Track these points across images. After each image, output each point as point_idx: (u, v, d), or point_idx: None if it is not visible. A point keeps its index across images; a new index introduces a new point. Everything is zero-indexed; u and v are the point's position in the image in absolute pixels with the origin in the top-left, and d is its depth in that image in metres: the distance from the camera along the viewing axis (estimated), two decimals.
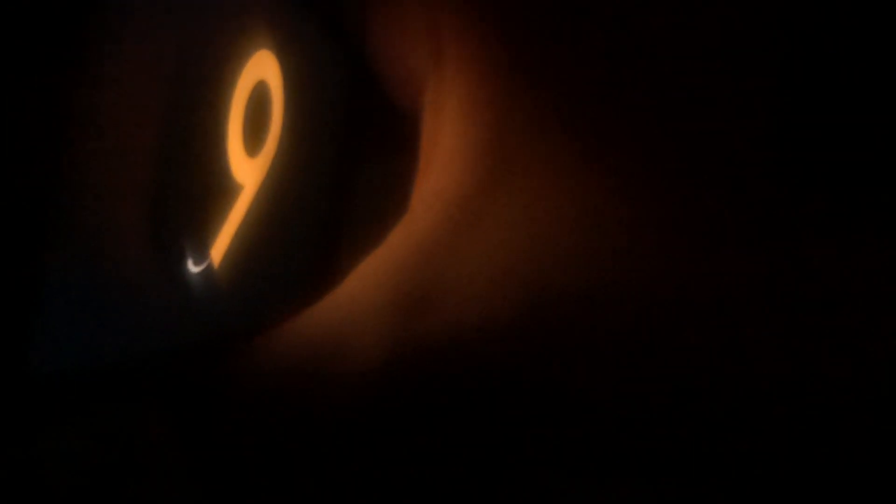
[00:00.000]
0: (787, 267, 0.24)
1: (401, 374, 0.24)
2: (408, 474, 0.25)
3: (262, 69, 0.24)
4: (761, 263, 0.24)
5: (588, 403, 0.24)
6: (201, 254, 0.23)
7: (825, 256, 0.24)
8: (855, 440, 0.24)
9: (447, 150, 0.25)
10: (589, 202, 0.24)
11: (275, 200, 0.26)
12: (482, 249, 0.24)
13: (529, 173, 0.24)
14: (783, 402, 0.24)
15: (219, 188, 0.23)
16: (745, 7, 0.24)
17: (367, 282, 0.25)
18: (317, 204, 0.29)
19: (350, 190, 0.30)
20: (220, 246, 0.24)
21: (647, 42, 0.24)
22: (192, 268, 0.23)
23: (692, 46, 0.24)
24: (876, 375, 0.23)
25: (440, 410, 0.24)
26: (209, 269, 0.24)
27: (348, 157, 0.30)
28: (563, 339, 0.23)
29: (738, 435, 0.24)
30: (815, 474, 0.24)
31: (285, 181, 0.27)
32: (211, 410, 0.26)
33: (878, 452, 0.23)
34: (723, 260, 0.24)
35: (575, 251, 0.23)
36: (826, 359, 0.23)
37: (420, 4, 0.26)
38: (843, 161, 0.24)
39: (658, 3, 0.24)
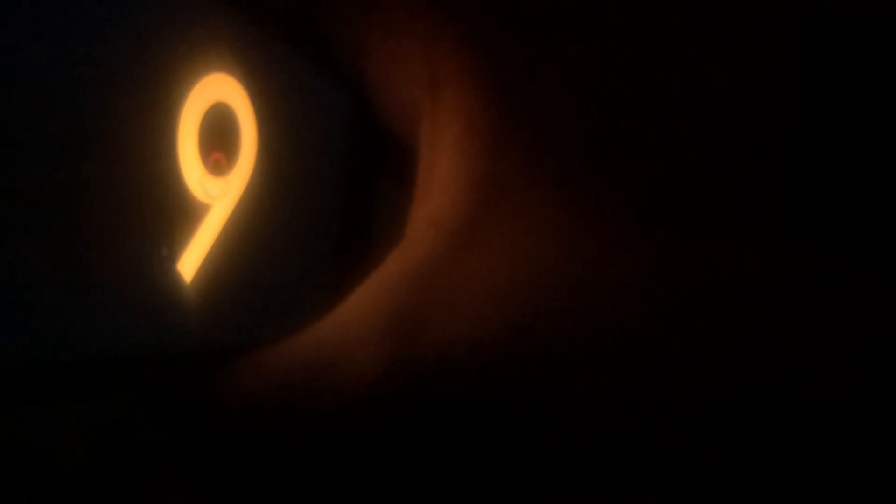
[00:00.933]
0: (774, 278, 0.23)
1: (394, 395, 0.24)
2: (400, 493, 0.26)
3: (218, 91, 0.25)
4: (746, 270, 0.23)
5: (578, 422, 0.24)
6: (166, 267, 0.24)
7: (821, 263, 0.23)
8: (855, 443, 0.23)
9: (442, 179, 0.26)
10: (580, 235, 0.24)
11: (257, 221, 0.27)
12: (473, 277, 0.24)
13: (522, 204, 0.24)
14: (779, 409, 0.23)
15: (176, 204, 0.24)
16: (751, 50, 0.24)
17: (363, 305, 0.26)
18: (307, 227, 0.30)
19: (342, 214, 0.31)
20: (190, 262, 0.25)
21: (641, 84, 0.24)
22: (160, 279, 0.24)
23: (687, 87, 0.24)
24: (876, 378, 0.22)
25: (432, 430, 0.25)
26: (177, 284, 0.25)
27: (341, 183, 0.30)
28: (550, 361, 0.24)
29: (736, 446, 0.23)
30: (810, 479, 0.23)
31: (268, 202, 0.27)
32: (202, 428, 0.27)
33: (877, 454, 0.22)
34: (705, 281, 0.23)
35: (563, 281, 0.24)
36: (823, 363, 0.23)
37: (417, 35, 0.27)
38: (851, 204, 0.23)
39: (654, 44, 0.25)
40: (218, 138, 0.25)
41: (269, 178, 0.27)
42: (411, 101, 0.27)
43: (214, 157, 0.25)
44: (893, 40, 0.24)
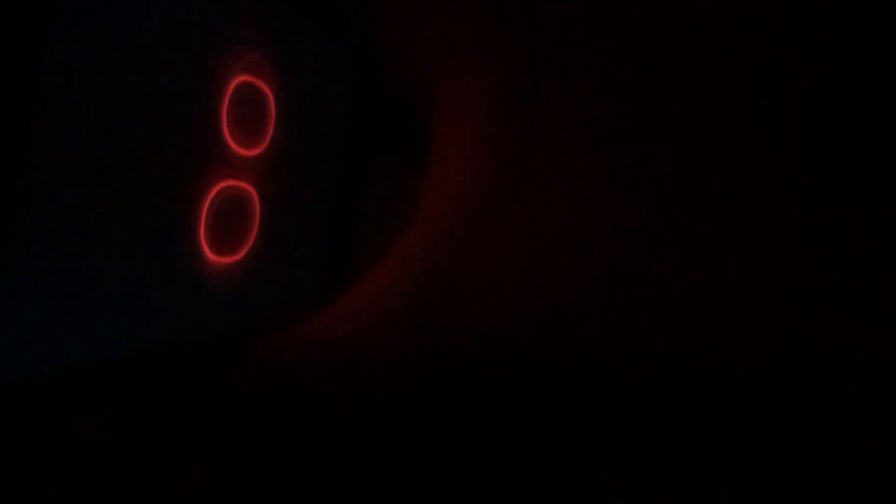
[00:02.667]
0: (783, 269, 0.24)
1: (418, 374, 0.24)
2: (427, 469, 0.26)
3: (250, 69, 0.25)
4: (752, 265, 0.24)
5: (591, 401, 0.25)
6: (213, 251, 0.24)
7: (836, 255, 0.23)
8: (858, 436, 0.23)
9: (459, 158, 0.26)
10: (595, 213, 0.24)
11: (281, 201, 0.27)
12: (495, 256, 0.25)
13: (541, 185, 0.25)
14: (782, 398, 0.24)
15: (216, 174, 0.24)
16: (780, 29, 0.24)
17: (385, 285, 0.26)
18: (325, 206, 0.29)
19: (358, 194, 0.31)
20: (237, 244, 0.25)
21: (662, 59, 0.25)
22: (207, 263, 0.24)
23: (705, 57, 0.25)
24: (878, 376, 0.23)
25: (457, 407, 0.25)
26: (221, 266, 0.25)
27: (357, 162, 0.30)
28: (573, 339, 0.24)
29: (737, 430, 0.24)
30: (812, 465, 0.24)
31: (289, 183, 0.27)
32: (229, 403, 0.26)
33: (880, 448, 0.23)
34: (714, 265, 0.24)
35: (579, 258, 0.24)
36: (825, 355, 0.23)
37: (435, 13, 0.27)
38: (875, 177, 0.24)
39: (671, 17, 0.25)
40: (244, 114, 0.25)
41: (291, 160, 0.27)
42: (428, 79, 0.27)
43: (240, 130, 0.25)
44: None
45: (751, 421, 0.24)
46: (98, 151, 0.19)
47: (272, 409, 0.26)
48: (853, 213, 0.23)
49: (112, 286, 0.21)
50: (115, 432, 0.26)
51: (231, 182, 0.25)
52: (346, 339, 0.26)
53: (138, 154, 0.21)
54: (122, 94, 0.20)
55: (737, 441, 0.24)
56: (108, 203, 0.20)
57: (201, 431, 0.26)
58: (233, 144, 0.24)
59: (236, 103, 0.24)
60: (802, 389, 0.23)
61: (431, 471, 0.26)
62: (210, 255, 0.24)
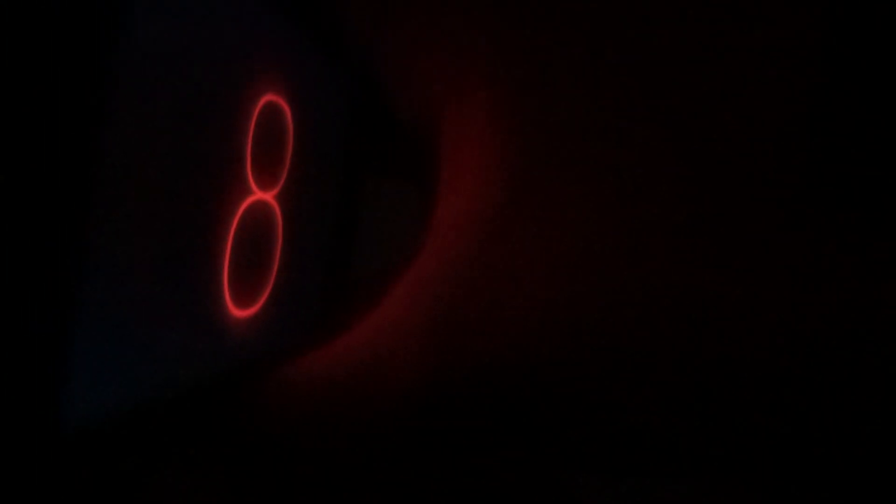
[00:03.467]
0: (797, 272, 0.24)
1: (441, 391, 0.24)
2: (447, 487, 0.26)
3: (272, 94, 0.25)
4: (767, 273, 0.24)
5: (608, 410, 0.24)
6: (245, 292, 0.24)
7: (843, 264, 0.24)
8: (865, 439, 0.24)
9: (468, 170, 0.25)
10: (607, 218, 0.24)
11: (297, 237, 0.27)
12: (508, 270, 0.24)
13: (550, 199, 0.24)
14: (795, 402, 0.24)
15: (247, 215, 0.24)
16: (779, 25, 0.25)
17: (402, 304, 0.25)
18: (328, 235, 0.29)
19: (357, 221, 0.31)
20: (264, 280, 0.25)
21: (666, 70, 0.24)
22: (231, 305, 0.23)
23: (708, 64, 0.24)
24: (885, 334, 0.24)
25: (477, 424, 0.25)
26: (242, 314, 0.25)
27: (359, 182, 0.30)
28: (589, 360, 0.24)
29: (749, 433, 0.24)
30: (807, 470, 0.25)
31: (304, 219, 0.27)
32: (239, 434, 0.26)
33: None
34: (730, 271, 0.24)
35: (594, 269, 0.24)
36: (834, 363, 0.24)
37: (443, 29, 0.26)
38: (873, 174, 0.24)
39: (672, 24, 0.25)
40: (266, 144, 0.25)
41: (301, 180, 0.27)
42: (435, 94, 0.27)
43: (263, 162, 0.25)
44: None
45: (743, 424, 0.24)
46: (154, 208, 0.19)
47: (285, 440, 0.26)
48: (844, 217, 0.24)
49: (155, 332, 0.21)
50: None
51: (253, 221, 0.25)
52: (363, 365, 0.26)
53: (182, 204, 0.21)
54: (173, 148, 0.20)
55: (730, 445, 0.25)
56: (157, 253, 0.20)
57: (209, 461, 0.26)
58: (254, 186, 0.24)
59: (258, 140, 0.24)
60: (796, 391, 0.24)
61: (449, 496, 0.27)
62: (232, 305, 0.24)
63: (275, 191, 0.25)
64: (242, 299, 0.24)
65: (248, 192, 0.24)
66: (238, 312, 0.24)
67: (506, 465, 0.27)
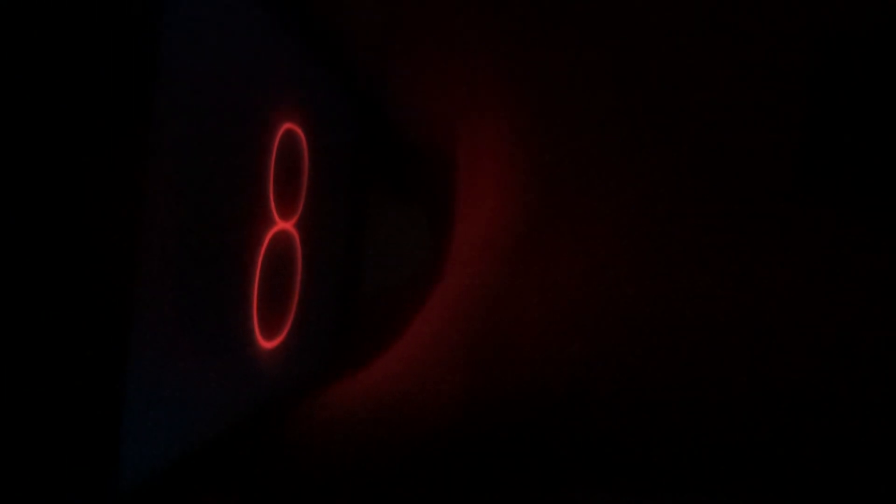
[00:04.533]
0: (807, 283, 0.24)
1: (474, 415, 0.25)
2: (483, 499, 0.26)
3: (290, 122, 0.24)
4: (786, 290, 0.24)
5: (655, 434, 0.25)
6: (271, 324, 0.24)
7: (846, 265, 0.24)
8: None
9: (489, 193, 0.25)
10: (634, 240, 0.24)
11: (313, 255, 0.27)
12: (536, 290, 0.24)
13: (572, 215, 0.24)
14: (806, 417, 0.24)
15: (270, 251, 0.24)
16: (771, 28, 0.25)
17: (434, 330, 0.25)
18: (342, 251, 0.29)
19: (366, 236, 0.30)
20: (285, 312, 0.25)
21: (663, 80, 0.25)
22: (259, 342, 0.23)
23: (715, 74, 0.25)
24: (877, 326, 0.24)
25: (511, 450, 0.25)
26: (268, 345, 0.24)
27: (365, 203, 0.30)
28: (623, 378, 0.24)
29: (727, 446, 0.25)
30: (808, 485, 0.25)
31: (317, 234, 0.27)
32: (273, 464, 0.26)
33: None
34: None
35: (627, 285, 0.24)
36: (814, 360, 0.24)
37: (453, 47, 0.26)
38: (866, 176, 0.25)
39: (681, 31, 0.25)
40: (286, 176, 0.24)
41: (316, 206, 0.27)
42: (448, 112, 0.27)
43: (283, 190, 0.25)
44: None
45: (739, 437, 0.24)
46: (195, 251, 0.19)
47: (319, 471, 0.26)
48: (837, 215, 0.24)
49: (201, 376, 0.20)
50: None
51: (276, 251, 0.24)
52: (400, 392, 0.25)
53: (218, 242, 0.20)
54: (210, 187, 0.20)
55: (728, 463, 0.25)
56: (198, 296, 0.20)
57: (246, 492, 0.26)
58: (277, 215, 0.24)
59: (279, 168, 0.24)
60: (793, 394, 0.24)
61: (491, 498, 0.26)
62: (261, 337, 0.24)
63: (294, 219, 0.25)
64: (269, 330, 0.24)
65: (272, 222, 0.24)
66: (266, 344, 0.24)
67: (523, 483, 0.27)
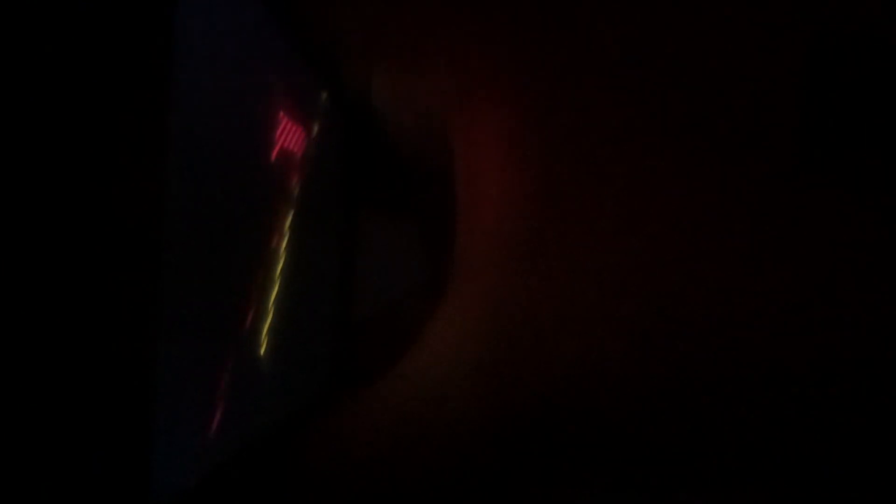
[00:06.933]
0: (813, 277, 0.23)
1: (493, 430, 0.24)
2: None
3: (286, 142, 0.23)
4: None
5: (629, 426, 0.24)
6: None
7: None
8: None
9: (489, 201, 0.24)
10: (642, 230, 0.23)
11: (304, 276, 0.26)
12: (550, 298, 0.23)
13: (578, 207, 0.24)
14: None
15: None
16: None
17: (448, 346, 0.24)
18: (334, 271, 0.28)
19: (354, 262, 0.30)
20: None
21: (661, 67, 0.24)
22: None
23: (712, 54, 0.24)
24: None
25: (528, 456, 0.24)
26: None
27: (355, 218, 0.29)
28: (642, 379, 0.23)
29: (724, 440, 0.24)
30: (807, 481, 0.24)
31: (308, 253, 0.26)
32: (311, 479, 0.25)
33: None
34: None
35: (635, 283, 0.23)
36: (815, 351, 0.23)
37: (446, 38, 0.25)
38: (865, 154, 0.24)
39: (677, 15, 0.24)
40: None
41: (305, 225, 0.26)
42: (442, 105, 0.26)
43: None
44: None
45: (738, 431, 0.24)
46: (212, 266, 0.19)
47: (336, 490, 0.25)
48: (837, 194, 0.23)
49: (225, 392, 0.20)
50: None
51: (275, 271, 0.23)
52: (416, 411, 0.25)
53: (232, 252, 0.20)
54: (225, 207, 0.19)
55: (738, 463, 0.24)
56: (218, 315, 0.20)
57: None
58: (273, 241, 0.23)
59: (275, 189, 0.23)
60: (792, 386, 0.23)
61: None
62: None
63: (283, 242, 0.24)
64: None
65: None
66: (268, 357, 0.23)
67: (525, 483, 0.26)
